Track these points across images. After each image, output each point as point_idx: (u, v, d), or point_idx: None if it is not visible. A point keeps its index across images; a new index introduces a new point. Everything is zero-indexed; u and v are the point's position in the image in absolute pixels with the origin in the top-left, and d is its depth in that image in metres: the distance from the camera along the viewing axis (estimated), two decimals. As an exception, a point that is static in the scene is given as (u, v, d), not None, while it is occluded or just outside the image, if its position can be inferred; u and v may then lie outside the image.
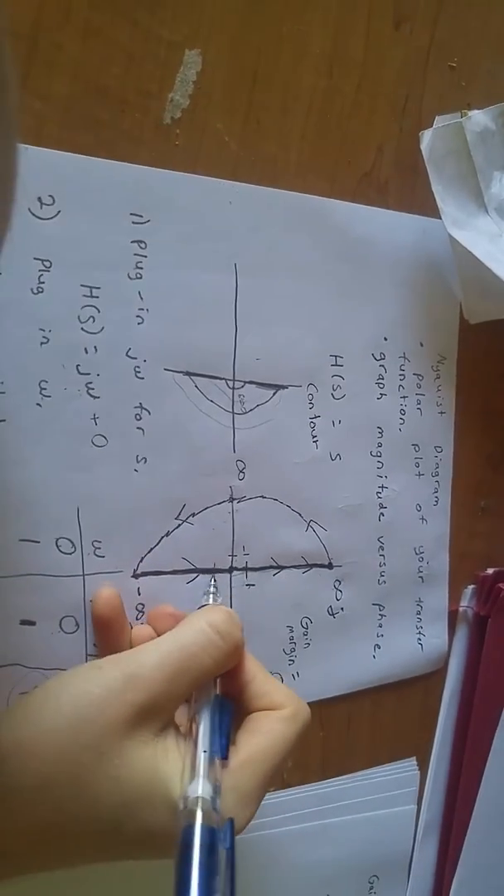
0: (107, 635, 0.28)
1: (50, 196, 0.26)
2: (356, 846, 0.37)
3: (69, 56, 0.27)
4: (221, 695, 0.26)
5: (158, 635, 0.27)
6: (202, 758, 0.23)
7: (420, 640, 0.37)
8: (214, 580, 0.30)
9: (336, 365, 0.33)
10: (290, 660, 0.33)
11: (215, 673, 0.25)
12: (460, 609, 0.38)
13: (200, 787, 0.22)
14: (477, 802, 0.39)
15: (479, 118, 0.33)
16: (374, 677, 0.36)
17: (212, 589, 0.30)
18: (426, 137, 0.32)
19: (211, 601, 0.29)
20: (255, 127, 0.31)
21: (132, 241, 0.28)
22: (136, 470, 0.29)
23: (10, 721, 0.23)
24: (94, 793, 0.22)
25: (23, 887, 0.23)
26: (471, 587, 0.39)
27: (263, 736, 0.25)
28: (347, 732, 0.36)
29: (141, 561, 0.29)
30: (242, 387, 0.31)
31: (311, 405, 0.32)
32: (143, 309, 0.28)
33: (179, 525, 0.30)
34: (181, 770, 0.23)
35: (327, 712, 0.35)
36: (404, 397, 0.35)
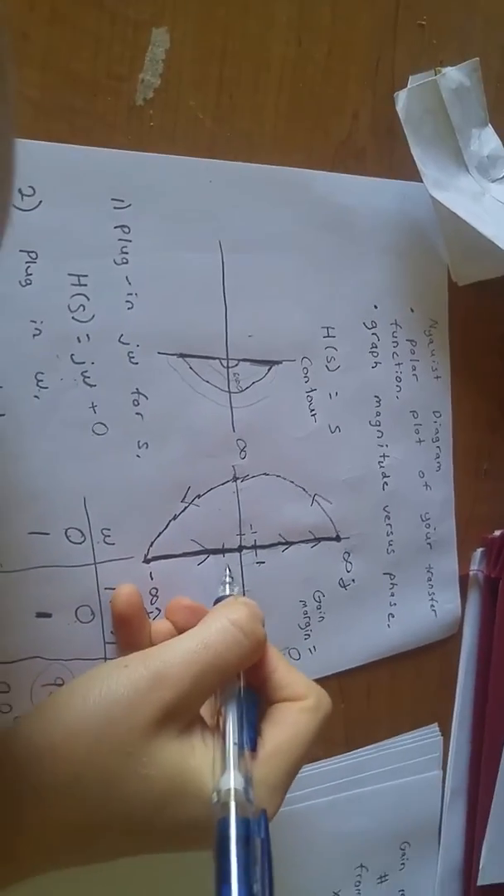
0: (127, 632, 0.28)
1: (30, 187, 0.26)
2: (386, 815, 0.38)
3: (37, 44, 0.27)
4: (246, 686, 0.27)
5: (178, 630, 0.28)
6: (233, 750, 0.24)
7: (433, 606, 0.37)
8: (229, 570, 0.30)
9: (328, 336, 0.33)
10: (305, 634, 0.33)
11: (240, 669, 0.26)
12: (471, 573, 0.38)
13: (233, 780, 0.23)
14: (502, 764, 0.40)
15: (453, 75, 0.33)
16: (390, 646, 0.36)
17: (227, 579, 0.30)
18: (401, 98, 0.32)
19: (227, 591, 0.29)
20: (228, 102, 0.30)
21: (115, 227, 0.28)
22: (138, 456, 0.29)
23: (37, 722, 0.23)
24: (123, 792, 0.22)
25: (28, 884, 0.23)
26: (479, 550, 0.39)
27: (289, 727, 0.25)
28: (368, 703, 0.36)
29: (151, 546, 0.29)
30: (236, 365, 0.31)
31: (306, 379, 0.32)
32: (132, 294, 0.28)
33: (186, 508, 0.30)
34: (210, 764, 0.24)
35: (346, 684, 0.35)
36: (399, 364, 0.35)
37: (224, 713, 0.25)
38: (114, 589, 0.28)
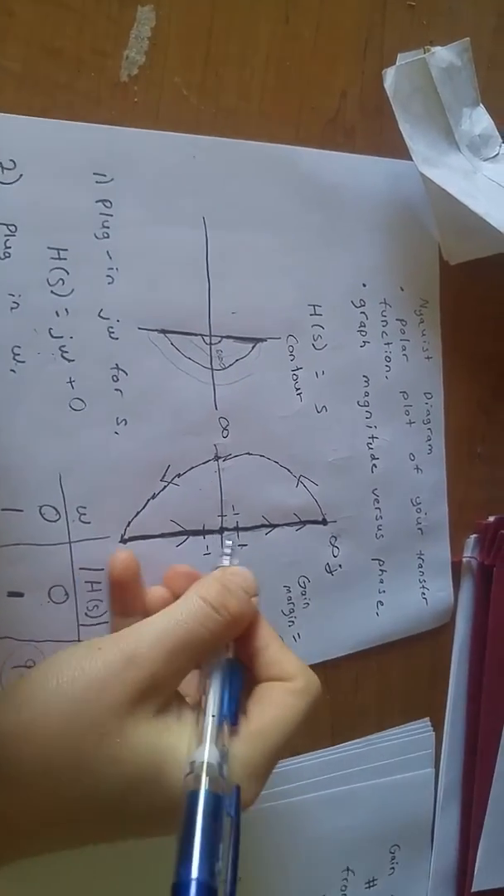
0: (122, 598, 0.28)
1: (11, 161, 0.26)
2: (374, 814, 0.37)
3: (21, 21, 0.27)
4: (234, 658, 0.26)
5: (174, 597, 0.27)
6: (210, 722, 0.23)
7: (424, 594, 0.36)
8: (231, 541, 0.30)
9: (315, 315, 0.32)
10: (289, 621, 0.32)
11: (215, 645, 0.25)
12: (464, 560, 0.37)
13: (207, 753, 0.22)
14: (498, 760, 0.38)
15: (443, 54, 0.32)
16: (378, 635, 0.35)
17: (227, 550, 0.29)
18: (389, 76, 0.32)
19: (227, 563, 0.28)
20: (215, 79, 0.30)
21: (97, 201, 0.28)
22: (116, 432, 0.28)
23: (9, 703, 0.23)
24: (95, 774, 0.22)
25: (26, 877, 0.22)
26: (473, 537, 0.38)
27: (274, 708, 0.25)
28: (355, 694, 0.35)
29: (128, 525, 0.29)
30: (220, 342, 0.30)
31: (292, 357, 0.32)
32: (112, 269, 0.28)
33: (165, 487, 0.29)
34: (186, 743, 0.23)
35: (333, 674, 0.34)
36: (388, 344, 0.34)
37: (206, 686, 0.25)
38: (88, 569, 0.28)
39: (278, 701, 0.25)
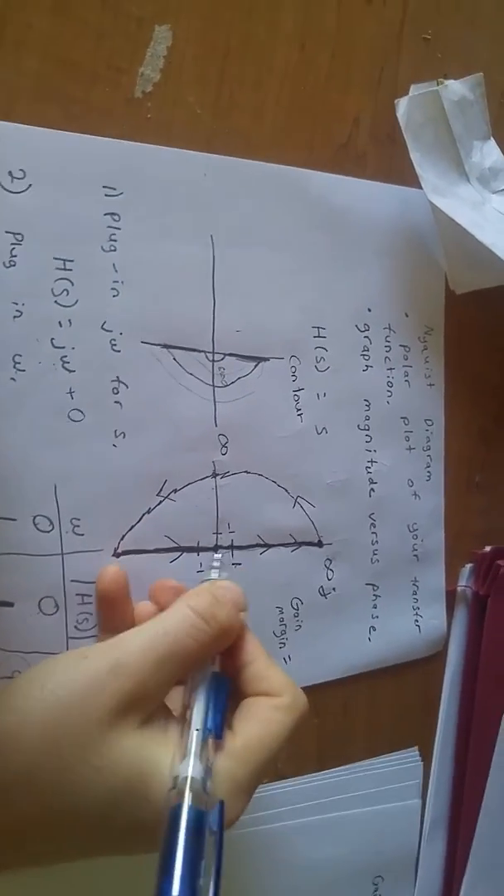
0: (110, 614, 0.27)
1: (21, 170, 0.26)
2: (358, 844, 0.36)
3: (39, 33, 0.27)
4: (220, 672, 0.26)
5: (162, 611, 0.27)
6: (194, 736, 0.23)
7: (417, 621, 0.36)
8: (220, 555, 0.30)
9: (319, 336, 0.32)
10: (280, 643, 0.32)
11: (203, 657, 0.25)
12: (458, 589, 0.37)
13: (191, 767, 0.22)
14: (486, 795, 0.38)
15: (455, 87, 0.33)
16: (369, 661, 0.34)
17: (216, 564, 0.29)
18: (402, 105, 0.32)
19: (215, 576, 0.28)
20: (228, 99, 0.30)
21: (105, 214, 0.28)
22: (114, 445, 0.28)
23: None
24: (77, 785, 0.21)
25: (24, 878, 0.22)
26: (468, 566, 0.37)
27: (260, 723, 0.24)
28: (344, 720, 0.35)
29: (122, 539, 0.28)
30: (222, 359, 0.30)
31: (294, 377, 0.32)
32: (117, 281, 0.28)
33: (161, 502, 0.29)
34: (171, 755, 0.22)
35: (322, 698, 0.34)
36: (391, 369, 0.34)
37: (191, 699, 0.24)
38: (80, 581, 0.27)
39: (264, 716, 0.24)
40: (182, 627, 0.24)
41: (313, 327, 0.32)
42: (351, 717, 0.35)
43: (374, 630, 0.35)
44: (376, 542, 0.34)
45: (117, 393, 0.28)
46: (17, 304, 0.26)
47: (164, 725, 0.23)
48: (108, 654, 0.23)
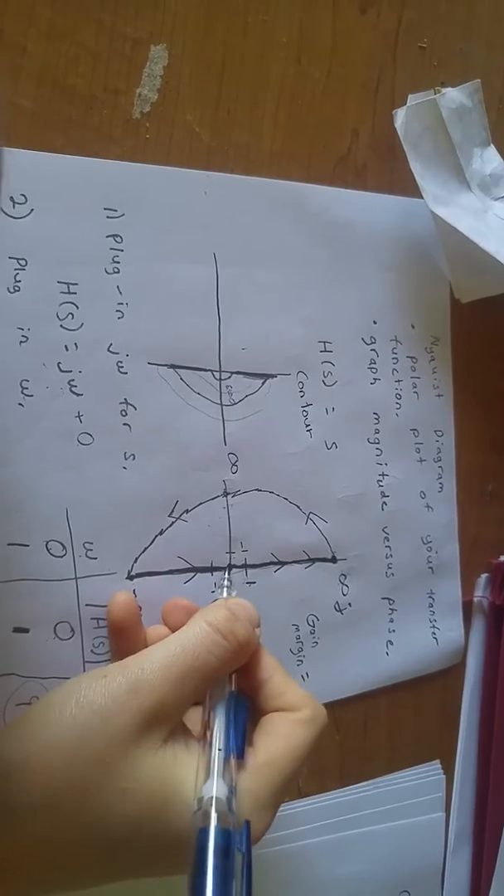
0: (122, 641, 0.27)
1: (22, 195, 0.26)
2: (383, 859, 0.35)
3: (34, 58, 0.27)
4: (237, 692, 0.25)
5: (174, 632, 0.27)
6: (217, 756, 0.22)
7: (434, 633, 0.35)
8: (229, 573, 0.29)
9: (325, 351, 0.32)
10: (298, 660, 0.32)
11: (222, 673, 0.24)
12: (475, 599, 0.37)
13: (215, 788, 0.21)
14: (510, 806, 0.37)
15: (453, 95, 0.33)
16: (388, 675, 0.34)
17: (225, 583, 0.29)
18: (400, 115, 0.32)
19: (225, 594, 0.28)
20: (226, 117, 0.30)
21: (107, 236, 0.28)
22: (124, 467, 0.28)
23: (13, 736, 0.22)
24: (100, 807, 0.21)
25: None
26: (484, 576, 0.37)
27: (281, 739, 0.24)
28: (365, 735, 0.34)
29: (135, 562, 0.28)
30: (229, 377, 0.30)
31: (301, 393, 0.32)
32: (122, 303, 0.28)
33: (173, 523, 0.29)
34: (194, 774, 0.22)
35: (342, 714, 0.33)
36: (399, 381, 0.34)
37: (211, 719, 0.24)
38: (94, 605, 0.27)
39: (285, 732, 0.24)
40: (202, 643, 0.24)
41: (319, 342, 0.32)
42: (372, 733, 0.34)
43: (392, 644, 0.34)
44: (390, 555, 0.34)
45: (126, 415, 0.28)
46: (22, 329, 0.26)
47: (185, 743, 0.23)
48: (128, 673, 0.23)
